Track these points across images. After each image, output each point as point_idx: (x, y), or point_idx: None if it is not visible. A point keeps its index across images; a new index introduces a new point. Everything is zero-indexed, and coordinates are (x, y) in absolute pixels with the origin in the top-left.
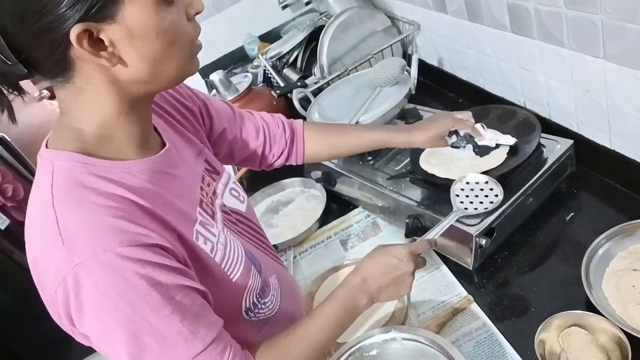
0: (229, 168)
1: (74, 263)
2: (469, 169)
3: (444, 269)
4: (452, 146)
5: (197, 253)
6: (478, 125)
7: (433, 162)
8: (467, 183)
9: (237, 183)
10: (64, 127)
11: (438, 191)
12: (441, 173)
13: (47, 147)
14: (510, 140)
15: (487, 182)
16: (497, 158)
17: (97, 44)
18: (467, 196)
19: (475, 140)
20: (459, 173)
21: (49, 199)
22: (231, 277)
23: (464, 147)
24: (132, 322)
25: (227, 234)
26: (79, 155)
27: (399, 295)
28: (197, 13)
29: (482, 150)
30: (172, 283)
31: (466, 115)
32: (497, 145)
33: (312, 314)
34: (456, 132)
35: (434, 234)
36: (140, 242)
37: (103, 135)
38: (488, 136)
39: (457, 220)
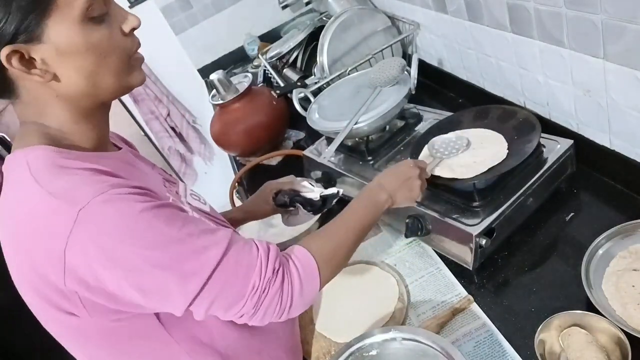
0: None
1: (77, 210)
2: (472, 167)
3: (444, 269)
4: (277, 205)
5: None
6: (305, 182)
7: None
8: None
9: (195, 191)
10: (29, 132)
11: (438, 191)
12: (446, 174)
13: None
14: (334, 189)
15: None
16: (498, 155)
17: (29, 63)
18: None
19: (301, 194)
20: (462, 172)
21: (30, 180)
22: None
23: (287, 202)
24: (154, 239)
25: (200, 218)
26: (51, 147)
27: (412, 197)
28: (134, 29)
29: (316, 208)
30: (173, 205)
31: (289, 178)
32: (324, 199)
33: (342, 211)
34: (280, 192)
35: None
36: (129, 185)
37: (66, 139)
38: (317, 190)
39: (457, 221)
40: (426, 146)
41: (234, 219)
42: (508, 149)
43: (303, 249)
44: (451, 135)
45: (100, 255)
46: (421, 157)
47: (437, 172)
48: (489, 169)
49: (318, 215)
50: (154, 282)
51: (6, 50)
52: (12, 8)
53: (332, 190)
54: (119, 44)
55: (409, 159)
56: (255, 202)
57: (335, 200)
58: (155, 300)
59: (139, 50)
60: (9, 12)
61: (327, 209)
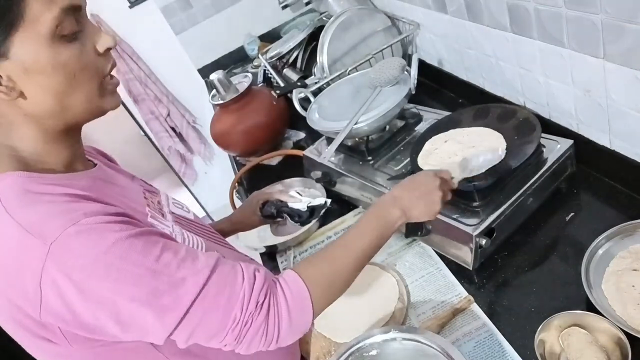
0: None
1: (48, 244)
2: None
3: (444, 269)
4: (264, 216)
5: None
6: (292, 192)
7: (432, 163)
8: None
9: (177, 199)
10: None
11: None
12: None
13: None
14: (322, 200)
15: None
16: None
17: None
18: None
19: (289, 204)
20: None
21: (1, 211)
22: None
23: (274, 212)
24: (129, 272)
25: (181, 230)
26: (20, 172)
27: (431, 212)
28: (109, 49)
29: (303, 219)
30: (151, 231)
31: (276, 187)
32: (312, 209)
33: (347, 231)
34: (267, 203)
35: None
36: (104, 212)
37: (37, 160)
38: (304, 200)
39: (457, 221)
40: (457, 164)
41: (222, 231)
42: (507, 148)
43: (296, 275)
44: (487, 154)
45: (73, 288)
46: (421, 154)
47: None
48: (490, 169)
49: (307, 226)
50: (130, 316)
51: None
52: None
53: (319, 201)
54: (91, 64)
55: (429, 169)
56: (242, 213)
57: (323, 211)
58: (134, 333)
59: (114, 75)
60: None
61: (315, 220)
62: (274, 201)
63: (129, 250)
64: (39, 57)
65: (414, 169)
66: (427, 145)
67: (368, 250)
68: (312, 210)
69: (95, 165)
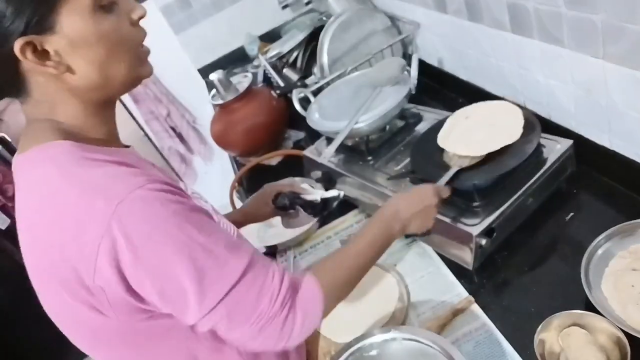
0: None
1: (115, 204)
2: (487, 143)
3: (444, 269)
4: (277, 207)
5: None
6: (305, 185)
7: (453, 140)
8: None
9: (195, 190)
10: (41, 129)
11: None
12: (461, 151)
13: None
14: (335, 192)
15: None
16: (514, 133)
17: (42, 55)
18: None
19: (302, 196)
20: (477, 149)
21: (57, 176)
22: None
23: (287, 204)
24: (184, 244)
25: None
26: (70, 142)
27: (424, 227)
28: (140, 18)
29: (316, 211)
30: (203, 208)
31: (289, 181)
32: (325, 201)
33: (358, 239)
34: (280, 194)
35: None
36: (162, 180)
37: (80, 134)
38: (317, 192)
39: (457, 221)
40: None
41: (235, 222)
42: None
43: (314, 283)
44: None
45: (130, 251)
46: (441, 134)
47: (452, 148)
48: (490, 166)
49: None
50: (175, 290)
51: (20, 41)
52: None
53: (333, 193)
54: (128, 34)
55: (429, 184)
56: (255, 204)
57: (336, 203)
58: (171, 307)
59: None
60: (21, 3)
61: (327, 211)
62: (287, 193)
63: (186, 222)
64: (84, 29)
65: (416, 169)
66: (447, 124)
67: (373, 261)
68: (325, 202)
69: (128, 147)
